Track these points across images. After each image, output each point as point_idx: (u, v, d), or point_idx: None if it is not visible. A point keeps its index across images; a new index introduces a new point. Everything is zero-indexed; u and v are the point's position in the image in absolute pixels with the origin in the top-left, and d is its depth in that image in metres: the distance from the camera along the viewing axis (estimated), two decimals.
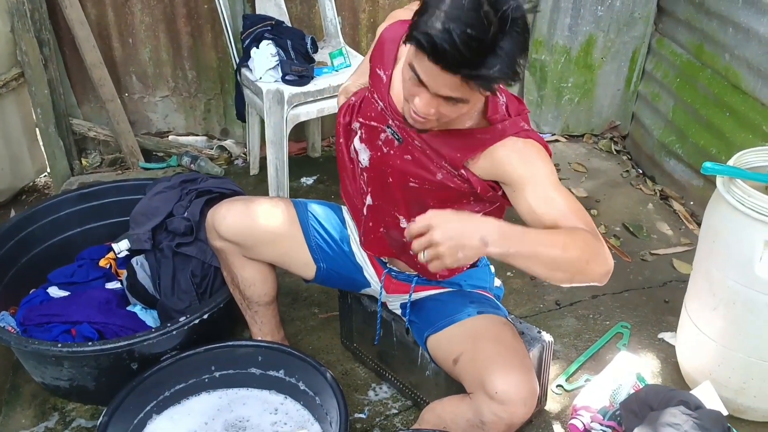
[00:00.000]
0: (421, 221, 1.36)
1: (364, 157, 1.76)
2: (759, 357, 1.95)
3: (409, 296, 1.91)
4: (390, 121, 1.67)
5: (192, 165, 3.23)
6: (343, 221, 2.01)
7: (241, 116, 3.00)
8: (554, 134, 3.61)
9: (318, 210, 2.00)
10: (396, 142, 1.66)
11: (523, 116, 1.62)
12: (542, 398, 2.10)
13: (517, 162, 1.54)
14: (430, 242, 1.33)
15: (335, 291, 2.29)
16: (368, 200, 1.80)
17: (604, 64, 3.41)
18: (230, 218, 1.92)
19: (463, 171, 1.59)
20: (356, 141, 1.77)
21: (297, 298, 2.59)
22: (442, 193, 1.65)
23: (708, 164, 1.91)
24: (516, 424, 1.61)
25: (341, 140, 1.82)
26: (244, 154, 3.39)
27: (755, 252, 1.83)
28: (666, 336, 2.38)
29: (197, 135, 3.46)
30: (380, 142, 1.70)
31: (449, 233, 1.33)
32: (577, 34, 3.35)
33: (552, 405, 2.15)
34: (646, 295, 2.60)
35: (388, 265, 1.92)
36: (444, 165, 1.61)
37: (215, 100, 3.37)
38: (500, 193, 1.61)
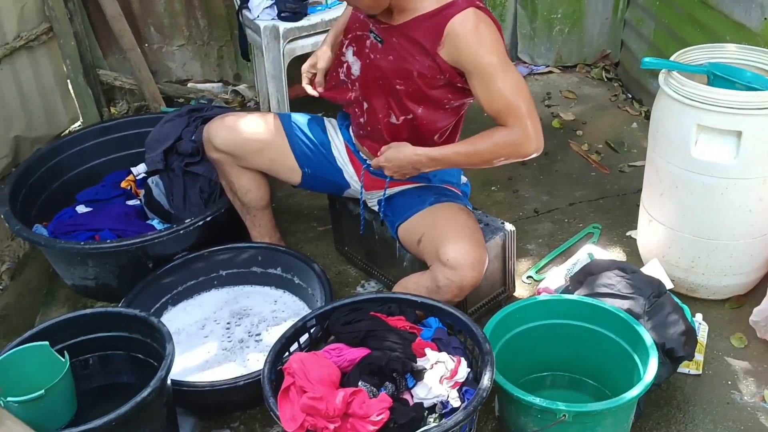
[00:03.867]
0: (377, 159, 1.98)
1: (356, 68, 2.01)
2: (702, 236, 2.15)
3: (384, 192, 2.15)
4: (371, 26, 1.93)
5: None
6: (324, 129, 2.26)
7: (245, 55, 3.26)
8: (548, 66, 3.78)
9: (301, 120, 2.26)
10: (379, 45, 1.92)
11: None
12: (510, 285, 2.34)
13: (473, 48, 1.80)
14: (387, 170, 1.97)
15: None
16: (365, 105, 2.04)
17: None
18: (222, 131, 2.20)
19: (436, 59, 1.84)
20: (349, 54, 2.03)
21: (299, 215, 2.86)
22: (422, 87, 1.89)
23: (647, 59, 2.10)
24: (466, 286, 1.87)
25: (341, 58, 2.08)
26: (255, 96, 3.66)
27: (690, 136, 2.02)
28: (633, 233, 2.57)
29: (213, 81, 3.74)
30: (367, 50, 1.96)
31: (395, 165, 1.95)
32: None
33: (521, 292, 2.38)
34: (620, 201, 2.79)
35: (366, 161, 2.16)
36: (421, 56, 1.85)
37: (226, 47, 3.64)
38: (464, 79, 1.87)
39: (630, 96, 3.51)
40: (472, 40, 1.79)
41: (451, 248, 1.86)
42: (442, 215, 2.00)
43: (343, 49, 2.07)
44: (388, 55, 1.91)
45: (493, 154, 1.88)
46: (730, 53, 2.17)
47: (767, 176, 2.01)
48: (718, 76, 2.07)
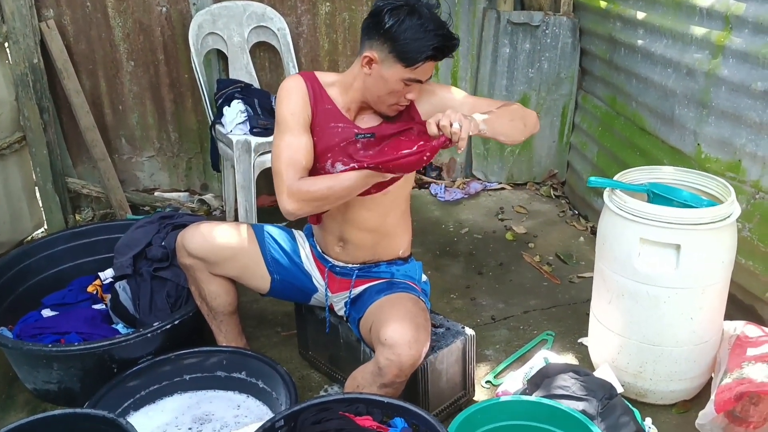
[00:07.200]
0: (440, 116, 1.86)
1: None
2: (648, 342, 2.28)
3: (350, 292, 2.25)
4: (354, 131, 2.09)
5: None
6: (293, 238, 2.38)
7: (216, 167, 3.41)
8: (500, 183, 4.02)
9: (272, 230, 2.38)
10: (372, 139, 2.07)
11: None
12: (470, 389, 2.42)
13: (441, 90, 2.14)
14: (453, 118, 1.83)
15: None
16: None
17: (538, 119, 3.85)
18: (197, 237, 2.29)
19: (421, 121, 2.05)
20: (339, 168, 2.08)
21: (262, 320, 2.92)
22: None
23: (592, 178, 2.31)
24: (405, 365, 1.93)
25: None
26: (221, 206, 3.78)
27: (633, 248, 2.20)
28: (584, 340, 2.70)
29: (180, 191, 3.86)
30: (361, 152, 2.07)
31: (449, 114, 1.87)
32: (513, 94, 3.82)
33: (480, 396, 2.46)
34: (571, 310, 2.94)
35: (330, 260, 2.28)
36: (412, 125, 2.05)
37: (195, 158, 3.79)
38: None
39: (576, 212, 3.75)
40: (437, 85, 2.14)
41: (389, 328, 1.95)
42: (389, 303, 2.11)
43: (332, 171, 2.10)
44: (385, 139, 2.05)
45: (516, 111, 2.10)
46: (667, 174, 2.39)
47: (706, 286, 2.18)
48: (657, 195, 2.27)
